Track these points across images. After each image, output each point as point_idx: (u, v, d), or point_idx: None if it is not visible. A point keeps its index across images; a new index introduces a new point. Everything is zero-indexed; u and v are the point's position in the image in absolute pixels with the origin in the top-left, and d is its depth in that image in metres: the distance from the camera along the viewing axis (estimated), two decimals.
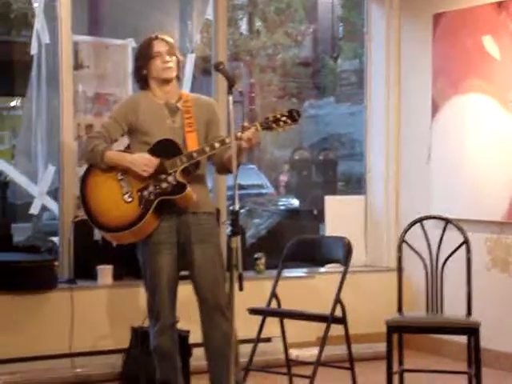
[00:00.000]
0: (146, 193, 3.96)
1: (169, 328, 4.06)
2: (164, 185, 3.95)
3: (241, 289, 3.41)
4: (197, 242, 4.02)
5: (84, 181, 4.09)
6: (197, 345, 4.36)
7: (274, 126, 3.95)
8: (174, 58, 4.07)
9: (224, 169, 4.11)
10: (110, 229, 4.06)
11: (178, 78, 4.16)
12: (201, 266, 4.01)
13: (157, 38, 4.08)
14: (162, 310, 4.02)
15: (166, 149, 3.97)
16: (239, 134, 3.87)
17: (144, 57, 4.06)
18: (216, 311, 4.00)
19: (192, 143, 3.98)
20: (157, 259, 4.00)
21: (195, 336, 4.28)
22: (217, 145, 3.93)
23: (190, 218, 4.02)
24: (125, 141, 4.21)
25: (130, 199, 3.97)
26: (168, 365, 4.09)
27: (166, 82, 4.06)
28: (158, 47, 4.05)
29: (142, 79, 4.10)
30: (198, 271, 4.02)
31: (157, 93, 4.08)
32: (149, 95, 4.09)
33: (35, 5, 5.29)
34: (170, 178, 3.95)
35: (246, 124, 3.94)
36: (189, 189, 3.94)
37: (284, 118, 3.94)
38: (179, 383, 4.14)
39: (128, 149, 4.14)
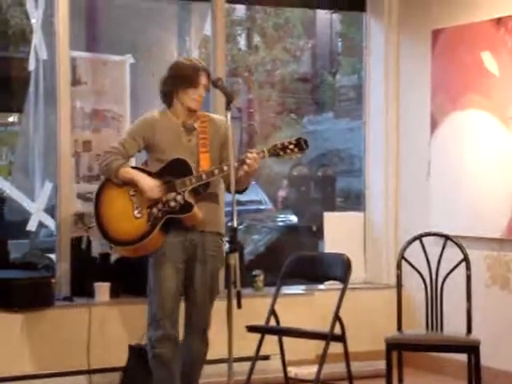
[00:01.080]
0: (154, 210, 4.09)
1: (170, 339, 4.10)
2: (172, 203, 4.07)
3: (239, 306, 3.42)
4: (199, 261, 4.14)
5: (99, 193, 4.22)
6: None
7: (281, 153, 4.05)
8: (205, 92, 4.18)
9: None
10: (117, 242, 4.21)
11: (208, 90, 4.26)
12: (196, 287, 4.14)
13: (204, 69, 4.15)
14: (164, 320, 4.08)
15: (177, 168, 4.08)
16: (247, 156, 4.02)
17: (186, 81, 4.10)
18: (196, 332, 4.16)
19: (205, 163, 4.10)
20: (162, 270, 4.10)
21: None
22: (225, 168, 4.03)
23: (196, 236, 4.14)
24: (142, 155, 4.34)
25: (139, 215, 4.11)
26: (166, 374, 4.11)
27: (191, 110, 4.17)
28: (202, 80, 4.11)
29: (169, 95, 4.17)
30: (193, 291, 4.15)
31: (178, 114, 4.17)
32: (167, 114, 4.18)
33: (33, 21, 5.29)
34: (179, 198, 4.06)
35: (254, 150, 4.08)
36: (195, 209, 4.06)
37: (291, 147, 4.04)
38: None
39: (145, 164, 4.26)
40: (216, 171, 4.05)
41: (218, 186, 4.25)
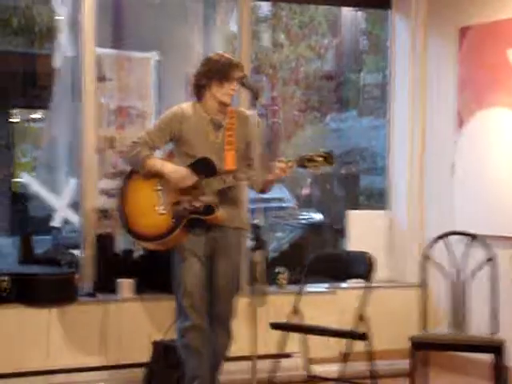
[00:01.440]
0: (179, 208, 4.12)
1: (198, 329, 4.15)
2: (197, 203, 4.11)
3: (263, 304, 3.42)
4: (222, 256, 4.20)
5: (124, 184, 4.25)
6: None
7: (308, 165, 4.09)
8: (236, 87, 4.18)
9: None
10: (139, 236, 4.23)
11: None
12: (219, 281, 4.20)
13: (238, 65, 4.17)
14: (191, 312, 4.14)
15: (204, 167, 4.11)
16: (277, 165, 4.05)
17: (220, 74, 4.12)
18: (220, 324, 4.20)
19: (230, 161, 4.13)
20: (186, 264, 4.15)
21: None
22: (252, 173, 4.11)
23: (218, 232, 4.19)
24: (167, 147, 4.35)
25: (164, 211, 4.14)
26: (196, 362, 4.17)
27: (224, 104, 4.18)
28: (236, 74, 4.13)
29: (202, 89, 4.18)
30: (216, 285, 4.20)
31: (208, 108, 4.19)
32: (197, 108, 4.20)
33: (59, 18, 5.31)
34: (204, 198, 4.11)
35: (283, 159, 4.10)
36: (218, 212, 4.11)
37: (320, 159, 4.08)
38: (207, 380, 4.19)
39: (170, 155, 4.28)
40: (242, 175, 4.10)
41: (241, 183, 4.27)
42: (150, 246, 4.30)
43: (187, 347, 4.17)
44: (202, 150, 4.14)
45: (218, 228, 4.18)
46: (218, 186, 4.09)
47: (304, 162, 4.08)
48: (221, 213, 4.13)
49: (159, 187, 4.17)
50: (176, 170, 4.13)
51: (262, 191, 4.15)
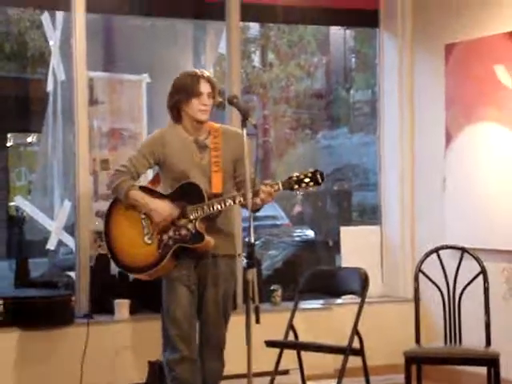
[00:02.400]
0: (165, 237, 4.00)
1: (187, 360, 4.04)
2: (183, 232, 3.98)
3: (257, 321, 3.42)
4: (211, 284, 4.08)
5: (108, 214, 4.14)
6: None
7: (295, 186, 3.92)
8: (211, 100, 4.05)
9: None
10: (127, 268, 4.16)
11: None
12: (208, 308, 4.09)
13: (203, 77, 4.04)
14: (180, 343, 4.02)
15: (189, 193, 3.97)
16: (262, 189, 3.89)
17: (186, 92, 4.00)
18: (211, 352, 4.12)
19: (217, 183, 3.99)
20: (174, 293, 4.03)
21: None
22: (238, 199, 3.94)
23: (208, 261, 4.07)
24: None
25: (149, 241, 4.02)
26: None
27: (200, 122, 4.06)
28: (204, 88, 4.01)
29: (177, 112, 4.08)
30: (205, 313, 4.10)
31: (188, 129, 4.07)
32: (179, 130, 4.08)
33: (51, 43, 5.36)
34: (190, 226, 3.97)
35: (268, 181, 3.97)
36: (207, 239, 3.97)
37: (307, 180, 3.91)
38: None
39: (156, 180, 4.17)
40: (229, 201, 3.94)
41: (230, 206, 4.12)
42: (138, 276, 4.19)
43: (177, 381, 4.03)
44: (188, 173, 4.01)
45: (208, 255, 4.04)
46: (206, 213, 3.95)
47: (291, 184, 3.92)
48: (209, 240, 3.98)
49: (143, 216, 4.05)
50: (157, 208, 3.98)
51: (254, 211, 3.94)
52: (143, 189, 4.11)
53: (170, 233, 3.99)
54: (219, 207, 3.95)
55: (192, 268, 4.05)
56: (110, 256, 4.16)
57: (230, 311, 4.19)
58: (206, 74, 4.10)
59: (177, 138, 4.06)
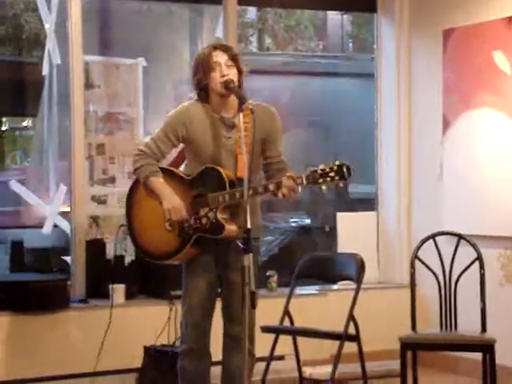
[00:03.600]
0: (186, 225, 3.81)
1: (194, 352, 3.87)
2: (204, 220, 3.78)
3: (254, 307, 3.39)
4: (234, 269, 3.77)
5: (131, 193, 3.97)
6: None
7: (320, 180, 3.50)
8: (233, 70, 3.80)
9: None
10: (148, 255, 3.97)
11: (240, 86, 3.84)
12: (232, 294, 3.79)
13: (215, 47, 3.83)
14: (190, 333, 3.86)
15: (211, 179, 3.77)
16: (284, 183, 3.59)
17: (203, 69, 3.79)
18: (235, 343, 3.80)
19: (241, 167, 3.64)
20: (192, 280, 3.87)
21: None
22: (260, 189, 3.68)
23: (228, 246, 3.80)
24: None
25: (170, 228, 3.83)
26: None
27: (226, 95, 3.80)
28: (217, 57, 3.78)
29: (203, 91, 3.84)
30: (230, 295, 3.84)
31: (216, 106, 3.83)
32: (205, 108, 3.84)
33: (46, 26, 5.33)
34: (211, 215, 3.76)
35: (290, 174, 3.63)
36: (227, 228, 3.75)
37: (332, 174, 3.48)
38: None
39: (181, 156, 4.01)
40: (250, 191, 3.56)
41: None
42: (163, 262, 3.95)
43: (181, 371, 3.89)
44: (212, 153, 3.79)
45: (230, 242, 3.75)
46: (226, 202, 3.72)
47: (316, 179, 3.50)
48: (230, 229, 3.74)
49: None
50: (170, 210, 3.78)
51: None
52: (164, 171, 3.90)
53: (191, 221, 3.80)
54: (238, 196, 3.68)
55: (213, 256, 3.86)
56: (130, 237, 4.01)
57: (255, 297, 3.66)
58: (221, 43, 3.92)
59: (203, 118, 3.83)
